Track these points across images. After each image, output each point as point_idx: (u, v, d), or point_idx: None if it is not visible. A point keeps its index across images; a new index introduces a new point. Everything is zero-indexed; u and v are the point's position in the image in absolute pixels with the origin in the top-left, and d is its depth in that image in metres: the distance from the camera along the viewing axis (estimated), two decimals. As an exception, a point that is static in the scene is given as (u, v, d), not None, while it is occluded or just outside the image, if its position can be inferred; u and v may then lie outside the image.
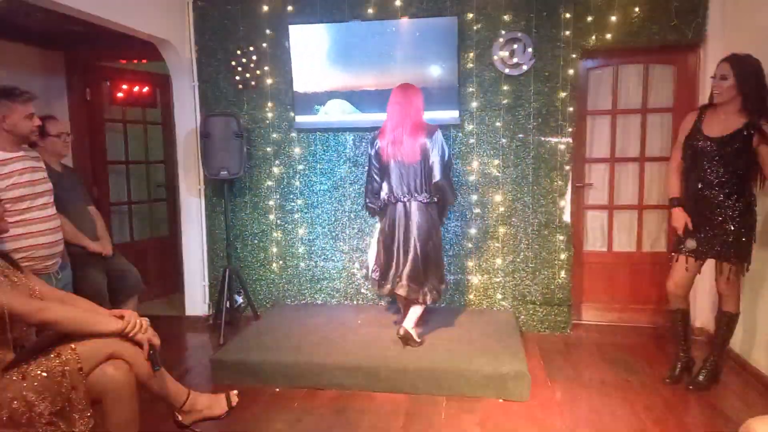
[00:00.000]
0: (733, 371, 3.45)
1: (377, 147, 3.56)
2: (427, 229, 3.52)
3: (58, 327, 2.12)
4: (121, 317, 2.22)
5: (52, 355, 2.04)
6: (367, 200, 3.71)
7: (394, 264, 3.56)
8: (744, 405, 3.05)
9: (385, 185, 3.57)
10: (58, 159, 3.45)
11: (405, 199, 3.51)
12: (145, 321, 2.27)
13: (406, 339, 3.51)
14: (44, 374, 1.99)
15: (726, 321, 3.22)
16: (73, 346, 2.07)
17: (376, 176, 3.60)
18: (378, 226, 3.75)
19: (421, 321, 3.70)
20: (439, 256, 3.66)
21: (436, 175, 3.47)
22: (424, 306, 3.59)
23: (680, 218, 3.17)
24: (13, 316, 2.03)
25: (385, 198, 3.57)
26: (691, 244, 3.13)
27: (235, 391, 2.61)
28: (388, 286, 3.58)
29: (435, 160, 3.46)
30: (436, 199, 3.55)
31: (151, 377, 2.26)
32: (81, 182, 3.69)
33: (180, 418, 2.44)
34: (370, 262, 3.79)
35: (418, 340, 3.56)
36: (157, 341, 2.28)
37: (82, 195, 3.59)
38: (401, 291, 3.50)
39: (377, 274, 3.68)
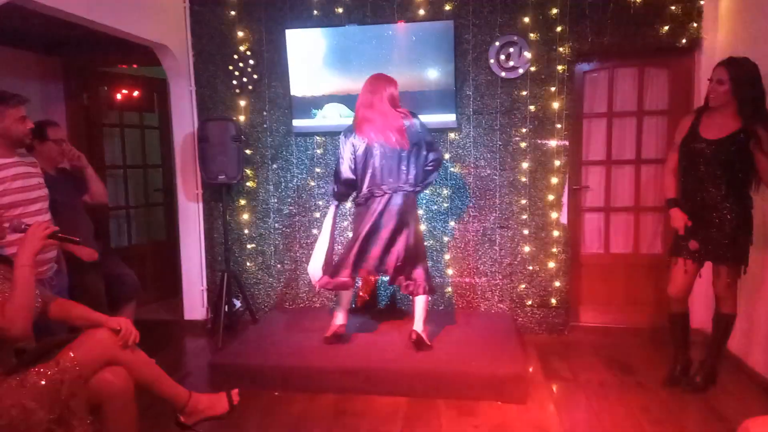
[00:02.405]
0: (731, 372, 3.46)
1: (355, 137, 3.48)
2: (413, 219, 3.52)
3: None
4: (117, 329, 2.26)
5: (50, 362, 2.05)
6: (336, 188, 3.65)
7: (373, 255, 3.48)
8: (741, 406, 3.06)
9: (367, 177, 3.48)
10: (53, 165, 3.43)
11: (389, 190, 3.46)
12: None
13: (420, 343, 3.46)
14: (43, 382, 1.99)
15: (723, 323, 3.23)
16: (71, 354, 2.08)
17: (351, 168, 3.51)
18: (326, 222, 3.70)
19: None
20: (423, 246, 3.69)
21: (433, 153, 3.55)
22: (427, 299, 3.56)
23: (679, 218, 3.17)
24: None
25: (367, 191, 3.50)
26: (693, 245, 3.12)
27: (236, 390, 2.59)
28: (353, 273, 3.53)
29: (428, 139, 3.52)
30: (418, 188, 3.56)
31: (156, 379, 2.30)
32: (73, 178, 3.64)
33: (182, 419, 2.44)
34: (314, 270, 3.66)
35: (429, 343, 3.50)
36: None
37: (73, 191, 3.55)
38: (408, 290, 3.51)
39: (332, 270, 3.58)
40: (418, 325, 3.52)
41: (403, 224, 3.48)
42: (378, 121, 3.45)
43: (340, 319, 3.65)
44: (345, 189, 3.63)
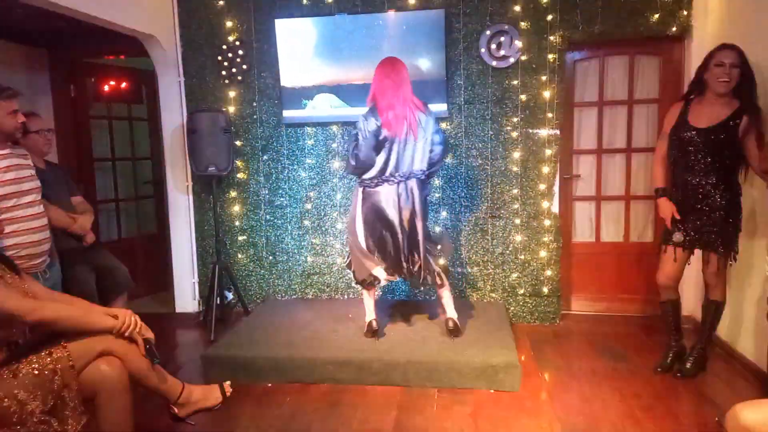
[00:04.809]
0: (720, 358, 3.50)
1: (377, 122, 3.33)
2: (425, 207, 3.51)
3: (54, 326, 2.13)
4: (115, 317, 2.22)
5: (43, 354, 2.04)
6: (353, 162, 3.43)
7: (392, 247, 3.43)
8: (731, 391, 3.10)
9: (381, 161, 3.38)
10: (41, 156, 3.38)
11: (403, 177, 3.39)
12: (137, 318, 2.28)
13: (457, 331, 3.54)
14: (35, 372, 1.99)
15: (713, 309, 3.26)
16: (64, 344, 2.07)
17: (368, 149, 3.34)
18: (358, 211, 3.49)
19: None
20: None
21: (439, 149, 3.47)
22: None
23: (666, 208, 3.20)
24: (8, 316, 2.02)
25: (379, 174, 3.39)
26: (678, 237, 3.16)
27: (228, 382, 2.61)
28: (390, 273, 3.50)
29: (437, 135, 3.46)
30: (427, 175, 3.51)
31: (149, 370, 2.28)
32: (65, 176, 3.62)
33: (175, 411, 2.43)
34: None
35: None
36: (150, 335, 2.31)
37: (66, 189, 3.52)
38: (430, 280, 3.48)
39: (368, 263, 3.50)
40: (452, 311, 3.58)
41: (419, 212, 3.43)
42: (400, 112, 3.34)
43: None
44: (362, 168, 3.45)
